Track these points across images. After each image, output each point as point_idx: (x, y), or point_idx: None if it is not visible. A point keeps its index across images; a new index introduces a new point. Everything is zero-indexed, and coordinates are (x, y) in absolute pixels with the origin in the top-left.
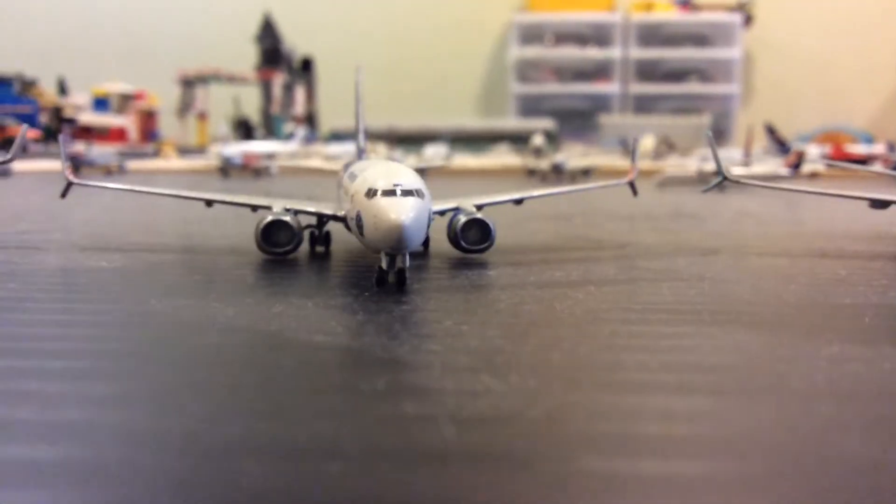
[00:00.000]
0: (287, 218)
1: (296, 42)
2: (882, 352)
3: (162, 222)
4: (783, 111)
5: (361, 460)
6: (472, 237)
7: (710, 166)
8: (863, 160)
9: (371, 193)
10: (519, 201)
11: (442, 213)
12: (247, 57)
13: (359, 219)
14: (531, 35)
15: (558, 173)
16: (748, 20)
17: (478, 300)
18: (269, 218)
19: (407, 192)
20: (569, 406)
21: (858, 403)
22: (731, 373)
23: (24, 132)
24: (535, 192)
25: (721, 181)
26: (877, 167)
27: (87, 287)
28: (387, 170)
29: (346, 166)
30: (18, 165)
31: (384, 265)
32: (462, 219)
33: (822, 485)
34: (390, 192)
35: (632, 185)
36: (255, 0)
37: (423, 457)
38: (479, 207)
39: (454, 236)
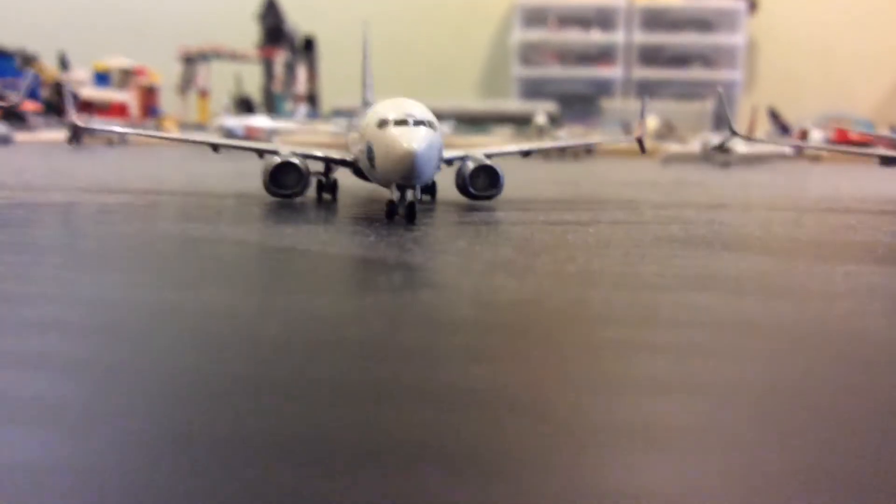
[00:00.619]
0: (296, 160)
1: (298, 21)
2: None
3: (167, 174)
4: (786, 98)
5: (384, 329)
6: (481, 184)
7: (714, 141)
8: (866, 143)
9: (383, 124)
10: (527, 153)
11: (450, 161)
12: (249, 35)
13: (370, 150)
14: (534, 18)
15: (561, 151)
16: (753, 7)
17: (489, 231)
18: (278, 160)
19: (419, 122)
20: (585, 298)
21: (876, 300)
22: (751, 280)
23: (31, 77)
24: (544, 144)
25: (731, 136)
26: (879, 149)
27: (94, 216)
28: (398, 102)
29: (354, 113)
30: (20, 136)
31: (394, 198)
32: (471, 165)
33: (846, 355)
34: (402, 122)
35: (640, 141)
36: None
37: (443, 326)
38: (488, 157)
39: (462, 182)
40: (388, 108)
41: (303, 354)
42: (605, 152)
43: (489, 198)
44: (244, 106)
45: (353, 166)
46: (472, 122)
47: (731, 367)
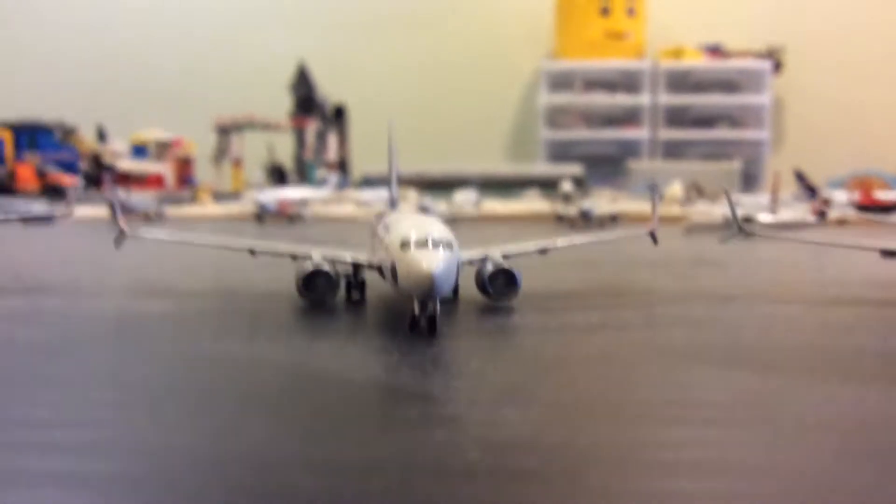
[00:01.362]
0: (327, 267)
1: (328, 89)
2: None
3: (204, 262)
4: (814, 156)
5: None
6: (500, 285)
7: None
8: (893, 206)
9: (404, 245)
10: (544, 251)
11: (472, 262)
12: (281, 104)
13: (393, 268)
14: (560, 82)
15: (586, 219)
16: (777, 66)
17: (502, 344)
18: (310, 267)
19: (438, 244)
20: (572, 440)
21: (844, 435)
22: (726, 408)
23: (74, 188)
24: (559, 242)
25: (737, 234)
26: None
27: (138, 332)
28: (419, 223)
29: (380, 216)
30: (60, 211)
31: (416, 311)
32: (490, 268)
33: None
34: (422, 245)
35: (652, 234)
36: (290, 49)
37: (451, 474)
38: (506, 257)
39: (482, 284)
40: (409, 227)
41: None
42: (631, 218)
43: (507, 299)
44: (276, 174)
45: (379, 269)
46: (500, 185)
47: None
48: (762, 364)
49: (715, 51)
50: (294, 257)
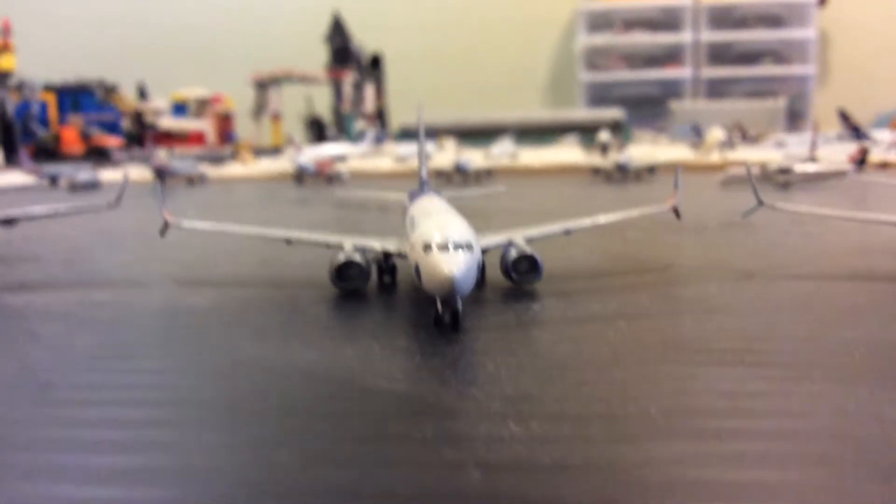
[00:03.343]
0: (357, 257)
1: (364, 39)
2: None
3: (246, 248)
4: (861, 92)
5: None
6: (522, 270)
7: (775, 163)
8: None
9: (427, 248)
10: (568, 233)
11: (498, 245)
12: (317, 56)
13: (417, 269)
14: (599, 22)
15: (623, 172)
16: (822, 0)
17: (518, 342)
18: (342, 258)
19: (458, 247)
20: (568, 460)
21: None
22: (713, 416)
23: (126, 181)
24: (581, 223)
25: (757, 207)
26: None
27: (178, 329)
28: (440, 224)
29: (411, 196)
30: (105, 175)
31: (439, 308)
32: (513, 254)
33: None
34: (444, 248)
35: (675, 210)
36: (324, 0)
37: (451, 498)
38: (530, 241)
39: (506, 269)
40: (432, 229)
41: None
42: (669, 168)
43: (530, 283)
44: (315, 127)
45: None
46: (538, 132)
47: None
48: (752, 358)
49: None
50: (328, 246)
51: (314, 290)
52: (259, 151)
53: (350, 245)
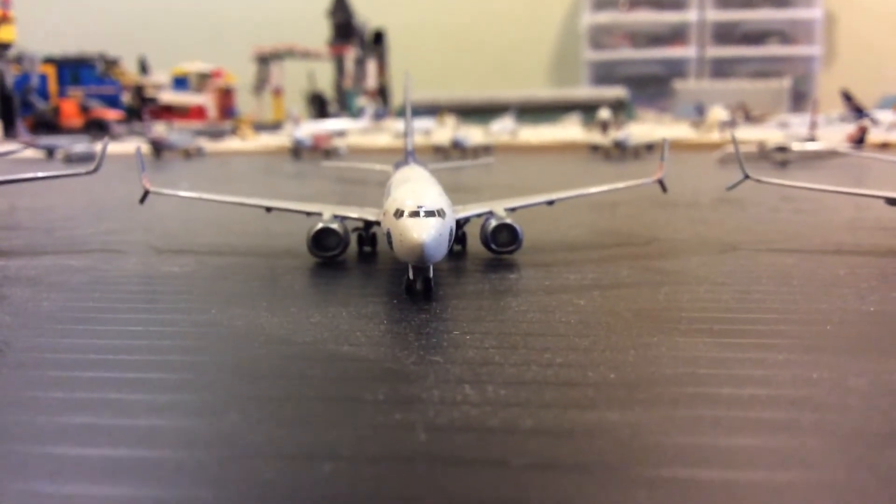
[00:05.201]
0: (335, 225)
1: (367, 15)
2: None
3: (234, 217)
4: (867, 73)
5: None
6: (502, 240)
7: (773, 141)
8: None
9: (398, 214)
10: (551, 202)
11: (479, 215)
12: (320, 32)
13: (389, 235)
14: (604, 0)
15: (621, 149)
16: None
17: (489, 311)
18: (319, 226)
19: (429, 213)
20: (524, 444)
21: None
22: (672, 393)
23: (105, 146)
24: (565, 194)
25: (743, 180)
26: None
27: (157, 299)
28: (414, 190)
29: (396, 166)
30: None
31: (411, 275)
32: (493, 223)
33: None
34: (415, 214)
35: (661, 183)
36: None
37: (396, 459)
38: (512, 209)
39: (485, 239)
40: (405, 195)
41: None
42: (671, 146)
43: (510, 252)
44: (317, 103)
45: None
46: (540, 111)
47: None
48: (724, 330)
49: None
50: (308, 214)
51: (293, 260)
52: (260, 126)
53: (329, 214)
